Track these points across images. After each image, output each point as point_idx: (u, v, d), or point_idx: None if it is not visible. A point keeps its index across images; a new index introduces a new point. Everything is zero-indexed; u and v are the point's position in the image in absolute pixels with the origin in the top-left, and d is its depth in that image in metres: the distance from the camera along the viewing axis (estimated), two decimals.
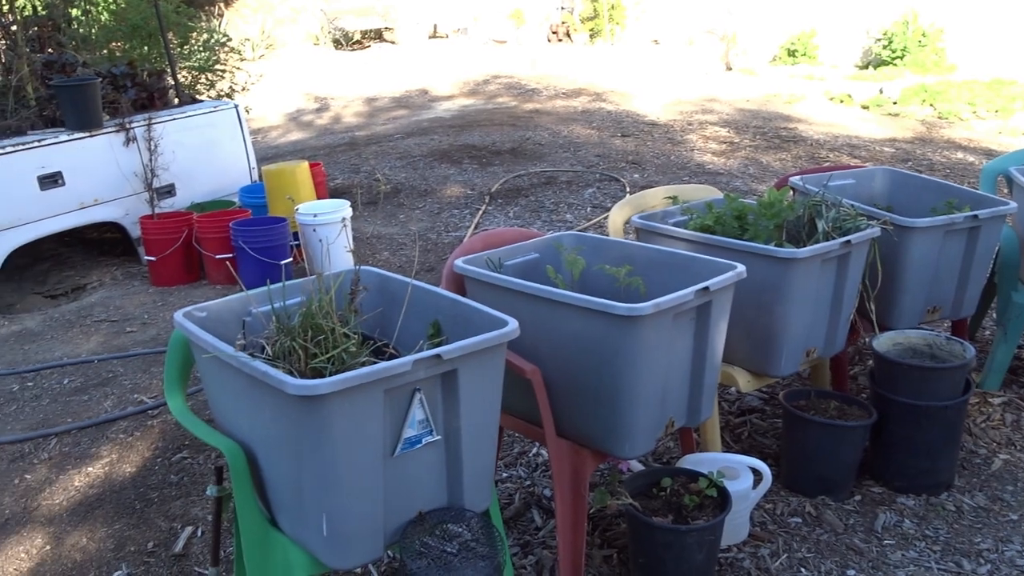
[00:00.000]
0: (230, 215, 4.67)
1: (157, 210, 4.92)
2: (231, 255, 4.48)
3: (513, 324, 1.59)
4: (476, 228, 5.37)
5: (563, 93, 11.25)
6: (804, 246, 2.33)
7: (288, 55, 15.22)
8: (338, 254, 4.60)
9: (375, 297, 1.87)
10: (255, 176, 5.55)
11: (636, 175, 6.59)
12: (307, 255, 4.59)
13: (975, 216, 2.55)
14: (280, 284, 1.76)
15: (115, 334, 4.00)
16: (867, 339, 2.94)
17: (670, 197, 2.67)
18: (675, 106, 10.00)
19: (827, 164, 6.67)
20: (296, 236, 4.62)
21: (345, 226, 4.63)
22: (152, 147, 4.89)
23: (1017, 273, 2.90)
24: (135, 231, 4.92)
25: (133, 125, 4.87)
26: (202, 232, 4.60)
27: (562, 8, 14.58)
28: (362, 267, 1.84)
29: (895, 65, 9.95)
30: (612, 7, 13.51)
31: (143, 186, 4.91)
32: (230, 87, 7.08)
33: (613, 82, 11.81)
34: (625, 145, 7.83)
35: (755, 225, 2.39)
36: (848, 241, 2.30)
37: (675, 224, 2.53)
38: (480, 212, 5.70)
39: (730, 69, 11.87)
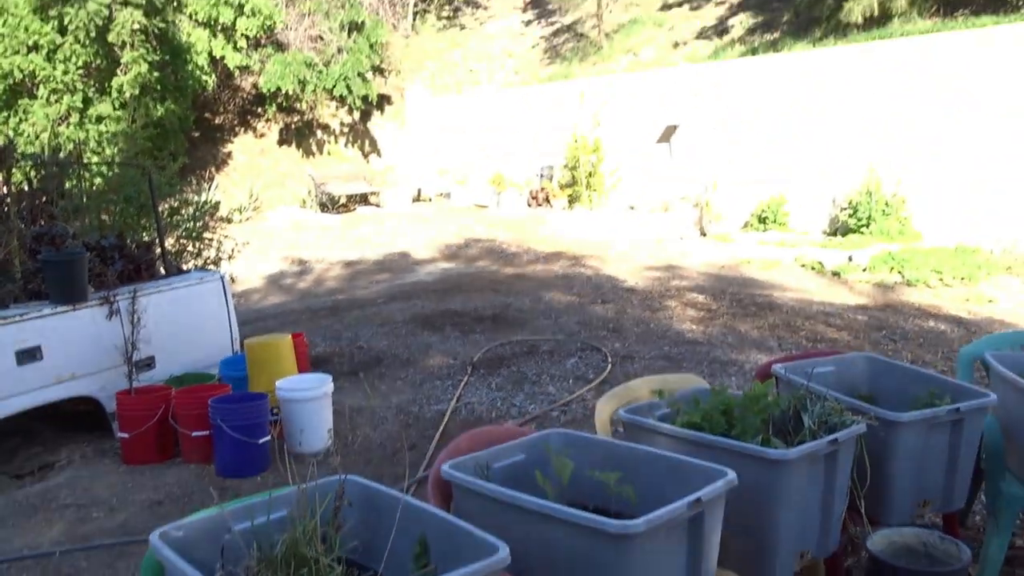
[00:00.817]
0: (209, 390, 4.62)
1: (135, 384, 4.86)
2: (208, 432, 4.39)
3: (504, 552, 1.54)
4: (457, 400, 5.33)
5: (542, 257, 11.54)
6: (793, 441, 2.32)
7: (274, 217, 15.61)
8: (318, 430, 4.53)
9: (360, 510, 1.81)
10: (237, 348, 5.54)
11: (617, 344, 6.64)
12: (287, 432, 4.51)
13: (957, 409, 2.57)
14: (265, 497, 1.70)
15: (80, 521, 3.84)
16: (858, 532, 2.87)
17: (656, 391, 2.67)
18: (651, 271, 10.26)
19: (806, 343, 6.77)
20: (275, 411, 4.56)
21: (326, 402, 4.58)
22: (135, 320, 4.89)
23: (1003, 463, 2.89)
24: (110, 405, 4.83)
25: (118, 298, 4.89)
26: (180, 408, 4.53)
27: (541, 175, 15.21)
28: (348, 477, 1.80)
29: (862, 233, 10.35)
30: (590, 174, 14.11)
31: (122, 359, 4.86)
32: (216, 255, 7.19)
33: (591, 247, 12.15)
34: (605, 312, 7.95)
35: (742, 420, 2.39)
36: (835, 439, 2.29)
37: (661, 417, 2.52)
38: (462, 384, 5.68)
39: (704, 235, 12.29)
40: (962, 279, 8.65)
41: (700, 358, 6.14)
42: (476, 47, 21.83)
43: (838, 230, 11.16)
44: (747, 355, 6.23)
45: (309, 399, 4.47)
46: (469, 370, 6.04)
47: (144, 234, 6.53)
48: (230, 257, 7.27)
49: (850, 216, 10.78)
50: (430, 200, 16.99)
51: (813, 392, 2.48)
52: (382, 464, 4.41)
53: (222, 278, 5.63)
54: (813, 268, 9.59)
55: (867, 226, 10.48)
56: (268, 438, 4.37)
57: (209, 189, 15.34)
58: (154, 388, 4.83)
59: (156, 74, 14.75)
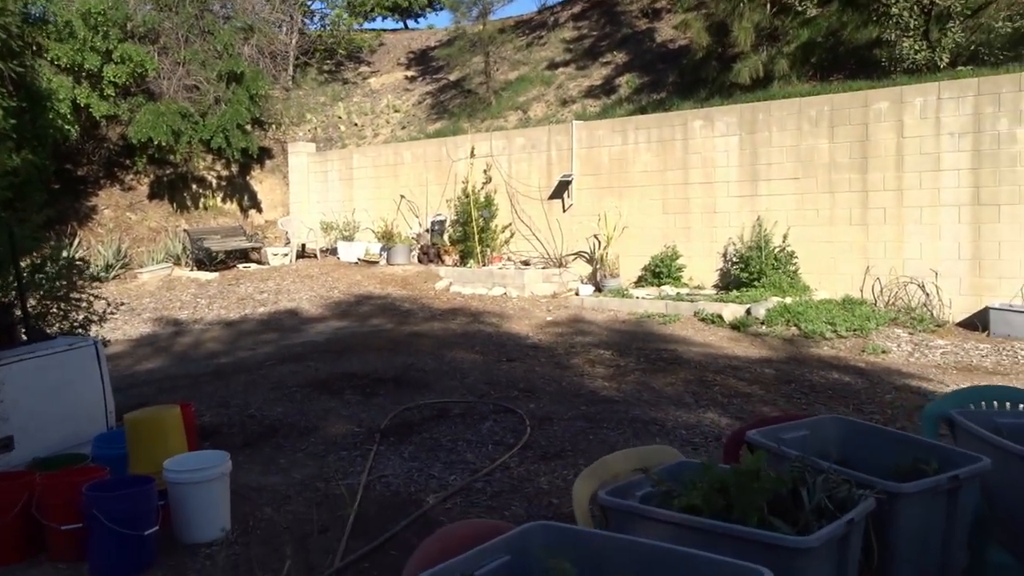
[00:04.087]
0: (81, 475, 3.96)
1: None
2: (80, 525, 3.74)
3: None
4: (369, 473, 4.85)
5: (439, 314, 11.16)
6: (795, 521, 2.06)
7: (145, 275, 14.56)
8: (214, 516, 3.97)
9: None
10: (113, 422, 4.87)
11: (531, 404, 6.33)
12: (177, 520, 3.91)
13: (956, 476, 2.39)
14: None
15: None
16: None
17: (640, 469, 2.37)
18: (553, 327, 10.07)
19: (721, 398, 6.67)
20: (163, 495, 3.96)
21: (224, 483, 4.03)
22: None
23: (990, 531, 2.73)
24: None
25: None
26: (45, 497, 3.85)
27: (432, 230, 14.91)
28: None
29: (754, 286, 10.55)
30: (482, 230, 13.91)
31: None
32: (85, 317, 6.44)
33: (487, 303, 11.89)
34: (512, 370, 7.65)
35: (741, 500, 2.11)
36: (851, 519, 2.04)
37: (645, 497, 2.21)
38: (372, 455, 5.19)
39: (600, 290, 12.25)
40: (854, 331, 8.88)
41: (619, 417, 5.91)
42: (360, 102, 21.50)
43: (730, 284, 11.35)
44: (666, 412, 6.05)
45: (204, 480, 3.90)
46: (377, 438, 5.57)
47: None
48: (101, 320, 6.53)
49: (741, 270, 10.99)
50: (315, 256, 16.34)
51: (810, 464, 2.23)
52: (290, 552, 3.88)
53: (95, 343, 4.98)
54: (713, 322, 9.65)
55: (758, 279, 10.70)
56: (155, 528, 3.76)
57: (72, 245, 14.18)
58: (13, 474, 4.12)
59: (12, 121, 13.61)
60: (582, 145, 13.16)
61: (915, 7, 10.15)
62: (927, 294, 9.81)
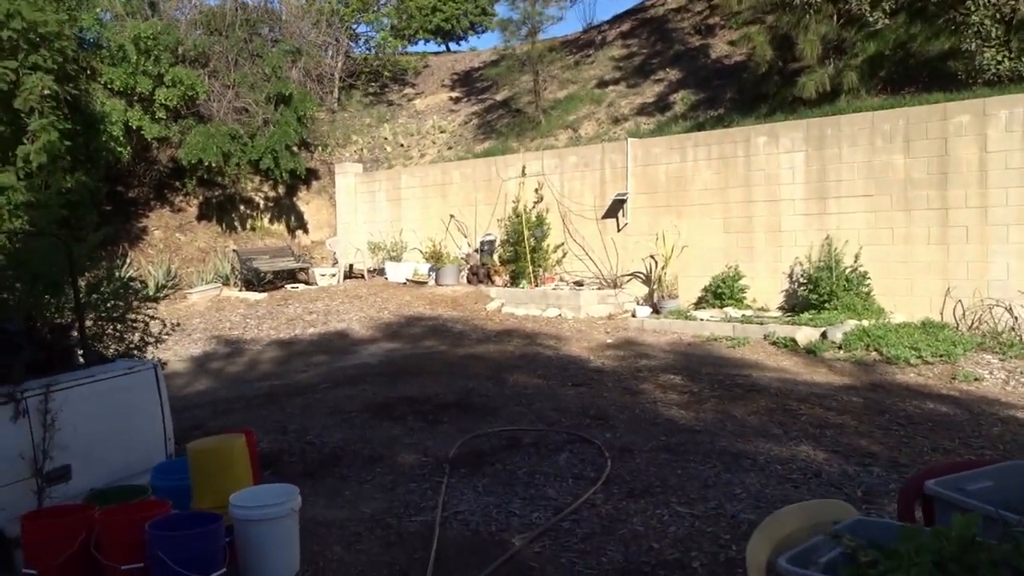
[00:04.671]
0: (143, 509, 3.66)
1: (46, 502, 3.86)
2: (142, 565, 3.44)
3: None
4: (443, 509, 4.49)
5: (493, 336, 10.83)
6: None
7: (195, 295, 14.47)
8: (284, 556, 3.64)
9: None
10: (172, 451, 4.59)
11: (608, 434, 5.94)
12: (244, 561, 3.59)
13: None
14: None
15: None
16: None
17: (810, 525, 1.98)
18: (614, 350, 9.67)
19: (811, 428, 6.21)
20: (228, 532, 3.64)
21: (294, 519, 3.70)
22: (48, 421, 3.93)
23: None
24: (13, 529, 3.81)
25: (27, 395, 3.93)
26: (105, 534, 3.56)
27: (482, 250, 14.61)
28: None
29: (825, 308, 10.04)
30: (533, 249, 13.59)
31: (29, 471, 3.88)
32: (141, 338, 6.21)
33: (541, 324, 11.53)
34: (580, 397, 7.26)
35: None
36: None
37: (831, 564, 1.82)
38: (443, 488, 4.84)
39: (658, 311, 11.83)
40: (940, 356, 8.34)
41: (704, 449, 5.49)
42: (405, 123, 21.41)
43: (796, 306, 10.85)
44: (755, 445, 5.61)
45: (275, 517, 3.58)
46: (447, 469, 5.22)
47: (55, 315, 5.54)
48: (157, 341, 6.28)
49: (810, 291, 10.49)
50: (363, 277, 16.13)
51: None
52: None
53: (155, 366, 4.71)
54: (785, 346, 9.17)
55: (828, 301, 10.19)
56: (223, 571, 3.44)
57: (123, 265, 14.14)
58: (71, 508, 3.83)
59: (67, 143, 13.66)
60: (637, 163, 12.79)
61: (996, 15, 9.65)
62: (1015, 317, 9.22)
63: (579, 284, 13.31)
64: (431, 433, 6.16)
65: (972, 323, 9.52)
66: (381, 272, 15.96)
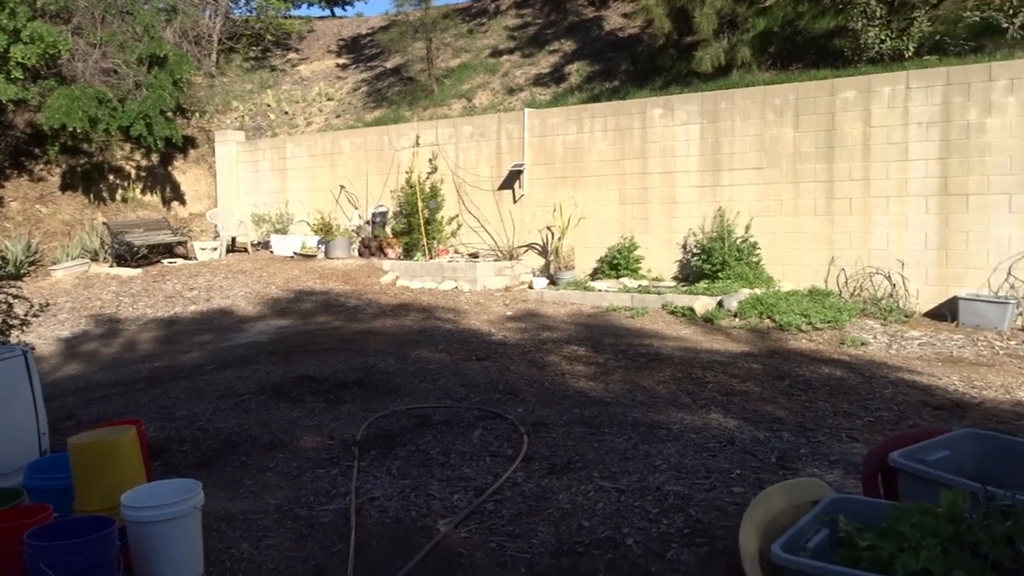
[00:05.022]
0: (20, 516, 3.23)
1: None
2: None
3: None
4: (357, 495, 4.22)
5: (389, 310, 10.51)
6: None
7: (60, 272, 13.39)
8: (187, 559, 3.30)
9: None
10: (47, 446, 4.12)
11: (519, 409, 5.79)
12: (141, 568, 3.23)
13: None
14: None
15: None
16: None
17: (793, 505, 1.86)
18: (515, 323, 9.55)
19: (719, 396, 6.26)
20: (121, 535, 3.26)
21: (195, 518, 3.36)
22: None
23: None
24: None
25: None
26: None
27: (374, 222, 14.17)
28: None
29: (718, 278, 10.23)
30: (427, 221, 13.27)
31: None
32: (3, 320, 5.60)
33: (439, 298, 11.29)
34: (486, 371, 7.09)
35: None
36: None
37: (819, 546, 1.71)
38: (355, 472, 4.57)
39: (555, 283, 11.79)
40: (828, 323, 8.63)
41: (618, 421, 5.42)
42: (289, 90, 20.49)
43: (690, 275, 11.04)
44: (667, 414, 5.59)
45: (173, 517, 3.23)
46: (356, 452, 4.93)
47: None
48: (23, 324, 5.69)
49: (703, 261, 10.67)
50: (247, 250, 15.37)
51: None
52: None
53: (24, 353, 4.20)
54: (683, 315, 9.29)
55: (721, 271, 10.40)
56: None
57: None
58: None
59: None
60: (534, 134, 12.65)
61: None
62: (893, 284, 9.67)
63: (475, 256, 13.11)
64: (334, 414, 5.85)
65: (854, 290, 9.93)
66: (266, 245, 15.27)
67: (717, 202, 10.93)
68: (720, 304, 9.22)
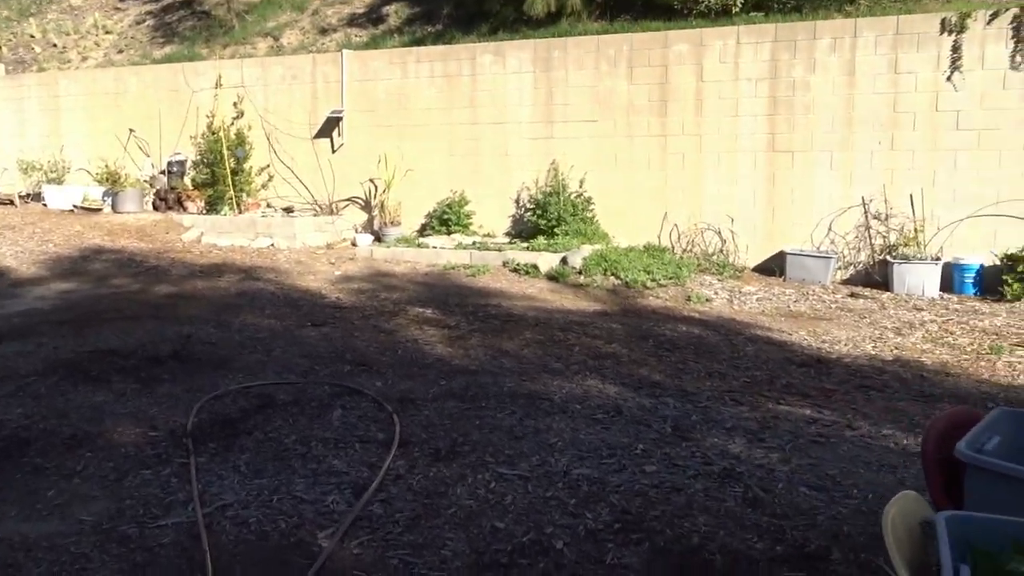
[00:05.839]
0: None
1: None
2: None
3: None
4: (201, 503, 3.39)
5: (199, 271, 9.30)
6: None
7: None
8: None
9: None
10: None
11: (378, 383, 5.10)
12: None
13: None
14: None
15: None
16: None
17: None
18: (347, 283, 8.74)
19: (590, 360, 5.89)
20: None
21: None
22: None
23: None
24: None
25: None
26: None
27: (170, 172, 12.60)
28: None
29: (554, 234, 9.94)
30: (234, 172, 11.94)
31: None
32: None
33: (254, 257, 10.20)
34: (327, 339, 6.30)
35: None
36: None
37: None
38: (193, 471, 3.71)
39: (379, 240, 11.03)
40: (671, 279, 8.59)
41: (493, 392, 4.89)
42: (58, 19, 17.84)
43: (524, 231, 10.69)
44: (542, 383, 5.14)
45: None
46: (189, 445, 4.05)
47: None
48: None
49: (539, 217, 10.34)
50: (12, 203, 13.18)
51: None
52: None
53: None
54: (527, 272, 8.90)
55: (557, 227, 10.12)
56: None
57: None
58: None
59: None
60: (354, 78, 11.67)
61: None
62: (723, 240, 9.83)
63: (289, 211, 12.01)
64: (151, 397, 4.87)
65: (687, 246, 10.01)
66: (38, 197, 13.18)
67: (551, 155, 10.60)
68: (564, 261, 8.92)
